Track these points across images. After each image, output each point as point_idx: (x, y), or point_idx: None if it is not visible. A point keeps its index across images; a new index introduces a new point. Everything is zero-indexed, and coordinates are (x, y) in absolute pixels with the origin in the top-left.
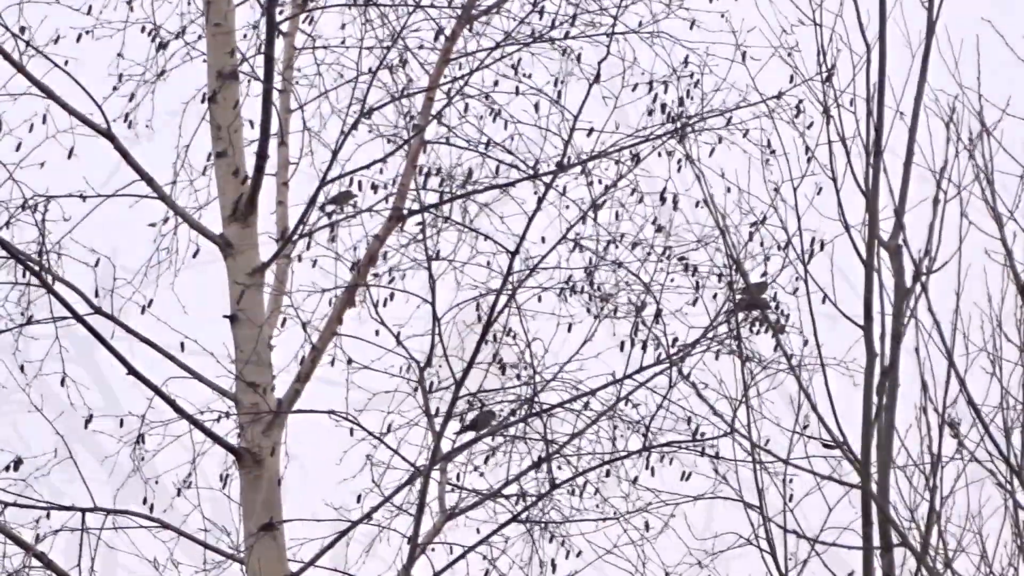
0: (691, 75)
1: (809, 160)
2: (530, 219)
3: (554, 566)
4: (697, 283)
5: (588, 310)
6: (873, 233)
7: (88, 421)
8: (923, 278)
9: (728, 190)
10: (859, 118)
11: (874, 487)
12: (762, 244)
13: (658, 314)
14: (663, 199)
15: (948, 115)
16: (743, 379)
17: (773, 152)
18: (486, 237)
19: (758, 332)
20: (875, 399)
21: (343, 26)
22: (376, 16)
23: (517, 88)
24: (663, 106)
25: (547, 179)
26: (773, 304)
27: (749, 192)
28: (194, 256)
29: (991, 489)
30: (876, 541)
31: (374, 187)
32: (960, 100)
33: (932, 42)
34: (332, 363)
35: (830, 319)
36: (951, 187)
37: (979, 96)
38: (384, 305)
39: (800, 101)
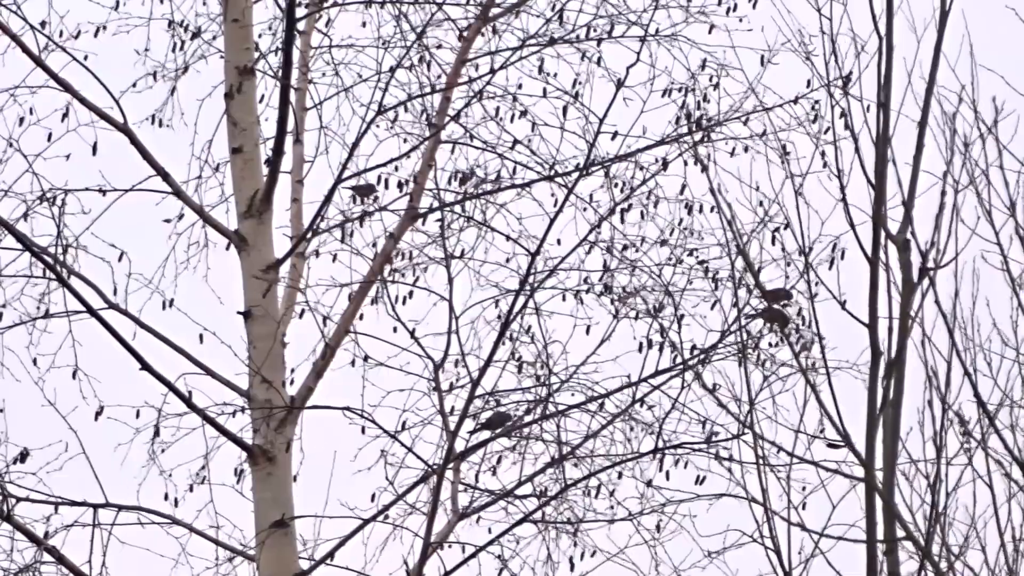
0: (710, 78)
1: (823, 158)
2: (552, 221)
3: (572, 565)
4: (715, 278)
5: (608, 310)
6: (880, 226)
7: (98, 414)
8: (924, 275)
9: (757, 189)
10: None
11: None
12: (784, 249)
13: (680, 319)
14: (689, 209)
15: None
16: (756, 381)
17: (788, 154)
18: (508, 238)
19: (778, 345)
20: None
21: (364, 24)
22: (393, 16)
23: (544, 90)
24: (688, 115)
25: (570, 181)
26: (797, 317)
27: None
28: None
29: (997, 486)
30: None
31: (400, 185)
32: (963, 95)
33: (944, 32)
34: (353, 363)
35: (838, 315)
36: (957, 183)
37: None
38: (403, 304)
39: (816, 103)
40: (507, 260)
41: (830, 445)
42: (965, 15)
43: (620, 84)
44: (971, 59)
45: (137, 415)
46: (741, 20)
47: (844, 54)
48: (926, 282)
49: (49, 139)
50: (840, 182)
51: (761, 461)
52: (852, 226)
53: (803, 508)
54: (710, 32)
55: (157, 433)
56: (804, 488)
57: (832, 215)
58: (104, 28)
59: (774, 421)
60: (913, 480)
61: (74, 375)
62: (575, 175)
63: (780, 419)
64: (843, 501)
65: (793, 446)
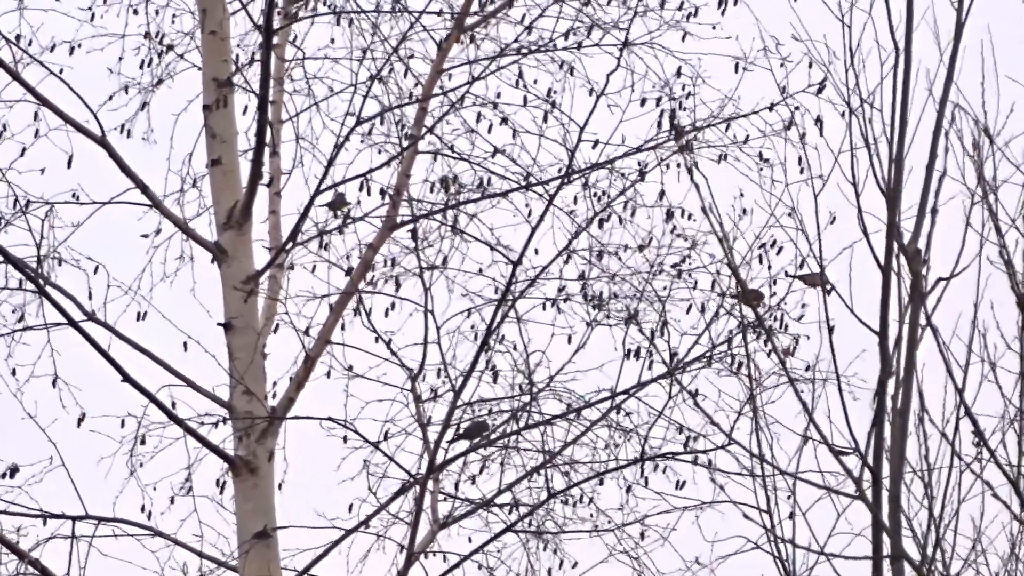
0: (683, 87)
1: (819, 173)
2: (533, 230)
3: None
4: (702, 299)
5: (583, 319)
6: (893, 237)
7: (80, 420)
8: (936, 285)
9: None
10: (869, 125)
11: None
12: (769, 265)
13: (664, 325)
14: (669, 215)
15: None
16: (747, 391)
17: (767, 161)
18: (491, 247)
19: (770, 353)
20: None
21: (332, 40)
22: (368, 26)
23: (525, 99)
24: (670, 120)
25: (550, 189)
26: (776, 318)
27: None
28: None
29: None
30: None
31: (383, 192)
32: (957, 109)
33: (959, 44)
34: (328, 375)
35: (843, 325)
36: (973, 195)
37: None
38: (386, 315)
39: (797, 107)
40: (485, 269)
41: (838, 453)
42: (989, 28)
43: (600, 94)
44: (981, 69)
45: (122, 424)
46: (714, 27)
47: (863, 64)
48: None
49: (23, 152)
50: (855, 191)
51: (764, 477)
52: (866, 234)
53: (794, 519)
54: (683, 40)
55: (143, 442)
56: (791, 497)
57: (843, 222)
58: (79, 46)
59: (765, 426)
60: (913, 486)
61: (54, 384)
62: (555, 184)
63: (778, 428)
64: (847, 505)
65: (795, 460)
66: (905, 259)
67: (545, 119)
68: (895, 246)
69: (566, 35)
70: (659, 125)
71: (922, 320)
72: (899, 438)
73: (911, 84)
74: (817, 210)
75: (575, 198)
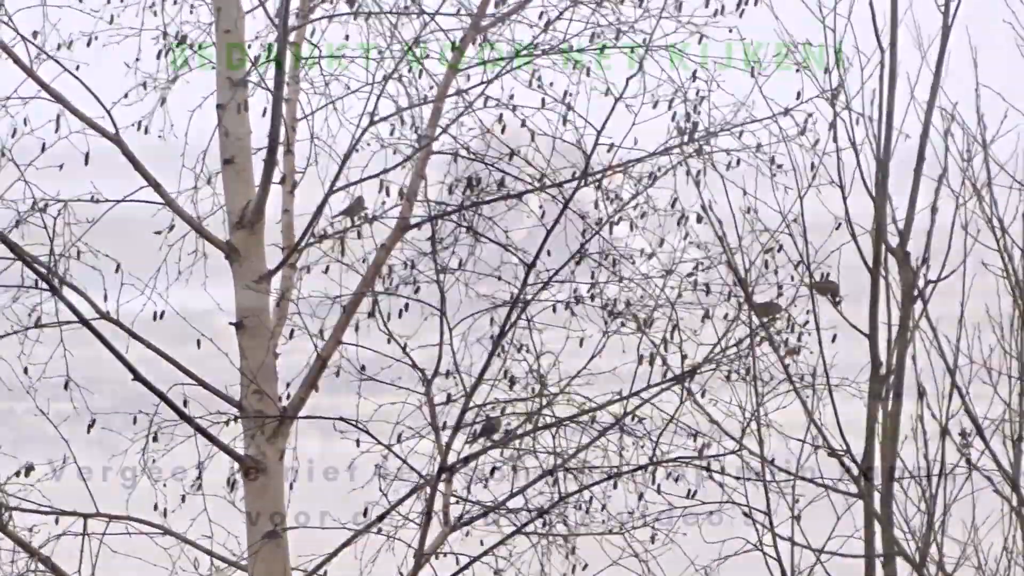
0: (697, 92)
1: (814, 172)
2: (548, 233)
3: None
4: (708, 301)
5: (599, 327)
6: (880, 239)
7: (91, 426)
8: (927, 287)
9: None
10: (869, 124)
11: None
12: (774, 268)
13: (673, 329)
14: (686, 221)
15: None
16: (753, 399)
17: (780, 167)
18: (507, 248)
19: (784, 357)
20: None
21: (347, 37)
22: (384, 28)
23: (543, 100)
24: (681, 128)
25: (564, 191)
26: (787, 322)
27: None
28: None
29: (993, 501)
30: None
31: (401, 193)
32: (956, 111)
33: (947, 47)
34: (337, 374)
35: (839, 328)
36: (959, 197)
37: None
38: (400, 316)
39: (809, 115)
40: (496, 270)
41: (831, 454)
42: (968, 30)
43: (618, 98)
44: (969, 73)
45: (135, 421)
46: (731, 31)
47: (846, 66)
48: (925, 295)
49: (43, 149)
50: (842, 193)
51: (761, 479)
52: (854, 237)
53: (798, 522)
54: (700, 42)
55: (155, 439)
56: (797, 501)
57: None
58: (96, 38)
59: (768, 431)
60: (909, 489)
61: (66, 386)
62: (570, 186)
63: (778, 432)
64: (845, 508)
65: (798, 464)
66: (896, 261)
67: (564, 123)
68: (883, 248)
69: (592, 39)
70: (678, 130)
71: (915, 321)
72: (890, 436)
73: (895, 85)
74: (803, 213)
75: (596, 202)
